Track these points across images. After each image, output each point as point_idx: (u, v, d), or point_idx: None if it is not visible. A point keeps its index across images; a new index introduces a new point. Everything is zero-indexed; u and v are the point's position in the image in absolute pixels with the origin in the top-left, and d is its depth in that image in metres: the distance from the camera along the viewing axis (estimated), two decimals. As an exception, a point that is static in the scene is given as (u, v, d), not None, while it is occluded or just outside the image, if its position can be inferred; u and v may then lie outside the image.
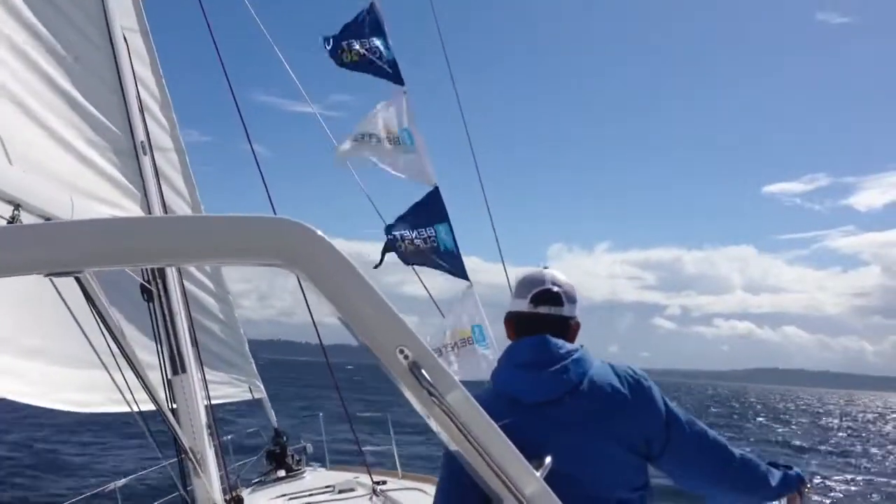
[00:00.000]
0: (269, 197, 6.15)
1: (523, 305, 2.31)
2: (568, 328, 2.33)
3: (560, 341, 2.24)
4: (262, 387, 8.62)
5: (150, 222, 2.01)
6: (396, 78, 6.04)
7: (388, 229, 5.86)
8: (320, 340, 6.45)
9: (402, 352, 1.61)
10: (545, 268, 2.40)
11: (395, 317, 1.62)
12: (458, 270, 5.93)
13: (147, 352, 5.35)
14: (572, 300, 2.34)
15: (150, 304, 5.25)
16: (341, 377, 7.84)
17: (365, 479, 6.63)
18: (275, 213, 1.71)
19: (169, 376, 5.19)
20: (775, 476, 2.51)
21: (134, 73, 5.52)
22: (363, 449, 7.37)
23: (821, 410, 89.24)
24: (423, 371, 1.61)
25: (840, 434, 48.36)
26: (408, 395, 1.65)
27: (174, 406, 5.16)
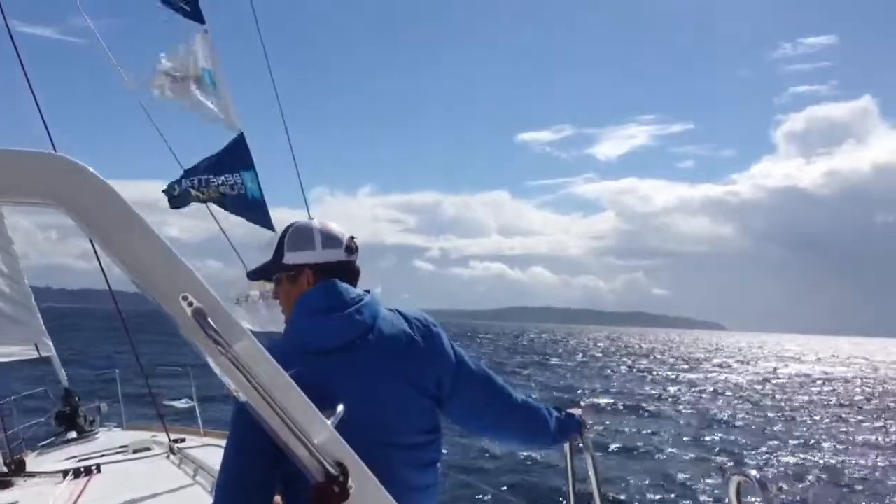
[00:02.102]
0: (48, 132, 5.57)
1: (340, 255, 2.26)
2: (359, 276, 2.35)
3: (349, 286, 2.23)
4: (50, 344, 8.09)
5: None
6: (196, 16, 5.67)
7: (189, 173, 5.55)
8: (109, 286, 5.98)
9: (185, 298, 1.53)
10: (312, 218, 2.37)
11: (177, 261, 1.54)
12: (264, 219, 5.74)
13: None
14: None
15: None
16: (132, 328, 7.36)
17: (162, 437, 6.39)
18: (55, 151, 1.56)
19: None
20: (556, 420, 2.65)
21: None
22: (164, 405, 7.10)
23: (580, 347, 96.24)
24: (209, 319, 1.54)
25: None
26: (193, 343, 1.57)
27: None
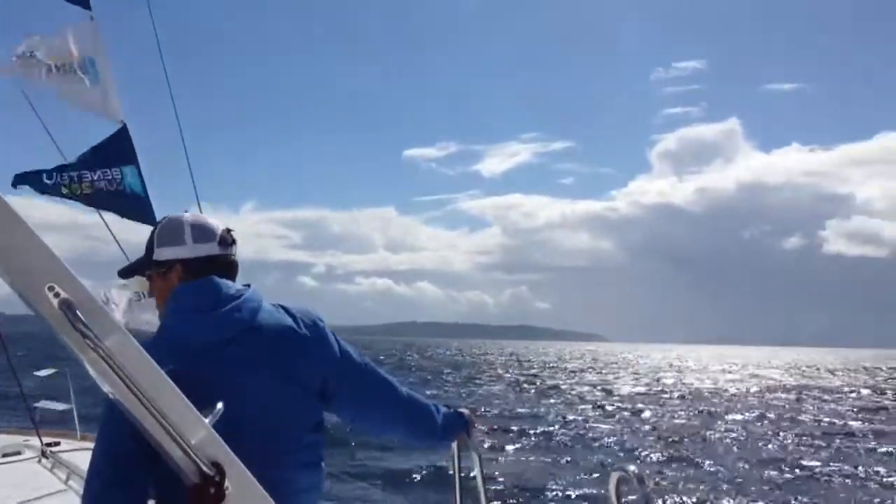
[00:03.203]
0: None
1: (213, 249, 2.18)
2: (238, 269, 2.28)
3: (228, 282, 2.16)
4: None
5: None
6: (81, 0, 5.41)
7: (65, 168, 5.29)
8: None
9: (51, 289, 1.45)
10: (185, 211, 2.30)
11: (44, 250, 1.46)
12: (147, 216, 5.51)
13: None
14: None
15: None
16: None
17: (35, 441, 6.07)
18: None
19: None
20: (443, 417, 2.64)
21: None
22: (38, 407, 6.74)
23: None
24: (78, 312, 1.46)
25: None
26: (60, 337, 1.49)
27: None
